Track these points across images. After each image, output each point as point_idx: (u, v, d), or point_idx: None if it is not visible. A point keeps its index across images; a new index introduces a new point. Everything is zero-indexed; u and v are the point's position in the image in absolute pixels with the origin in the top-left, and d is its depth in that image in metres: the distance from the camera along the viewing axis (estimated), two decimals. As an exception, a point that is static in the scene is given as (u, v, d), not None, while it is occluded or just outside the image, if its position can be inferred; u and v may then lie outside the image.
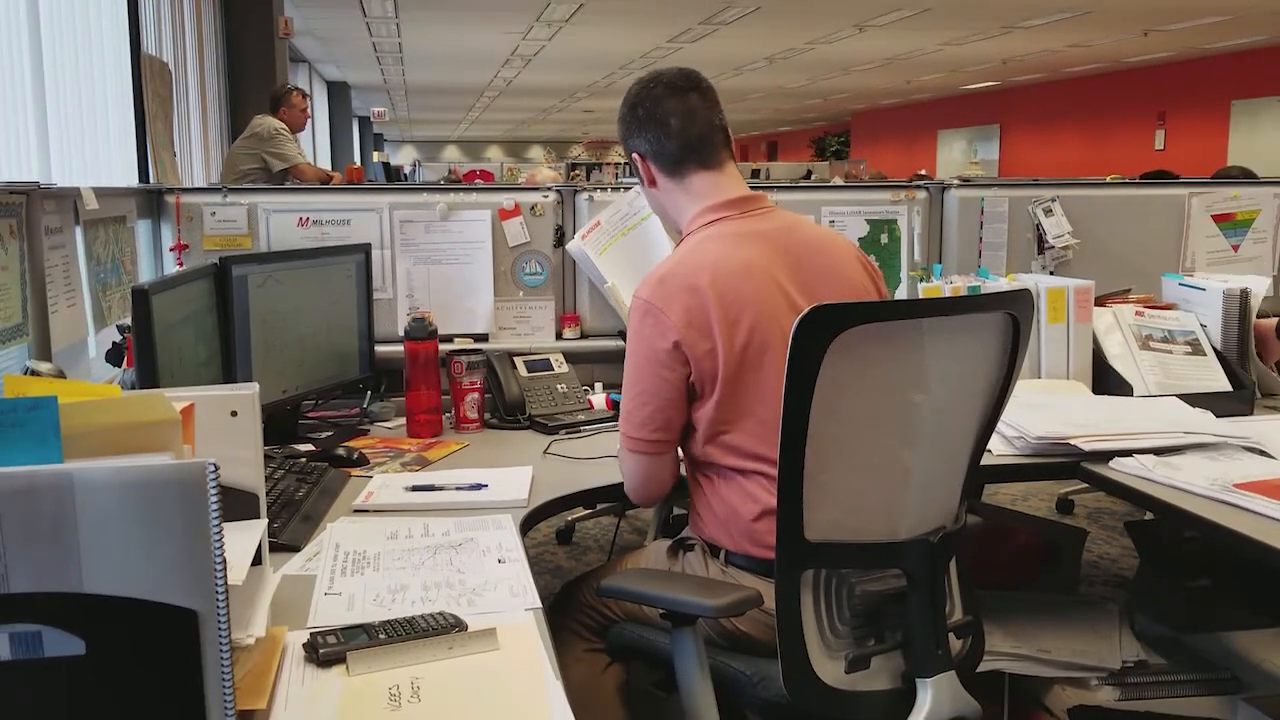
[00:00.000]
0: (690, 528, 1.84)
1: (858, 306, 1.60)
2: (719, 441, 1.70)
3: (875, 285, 1.86)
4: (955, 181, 3.02)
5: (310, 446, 2.20)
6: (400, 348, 2.38)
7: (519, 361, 2.54)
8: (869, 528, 1.56)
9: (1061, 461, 2.05)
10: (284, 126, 6.10)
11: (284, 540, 1.61)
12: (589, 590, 1.88)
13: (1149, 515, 2.84)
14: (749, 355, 1.68)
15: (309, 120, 6.67)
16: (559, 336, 2.79)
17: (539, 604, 1.40)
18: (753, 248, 1.75)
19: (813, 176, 12.63)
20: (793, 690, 1.52)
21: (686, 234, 1.83)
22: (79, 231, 2.26)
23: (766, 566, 1.62)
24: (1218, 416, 2.17)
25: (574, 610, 1.89)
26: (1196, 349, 2.51)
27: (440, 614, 1.30)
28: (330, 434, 2.34)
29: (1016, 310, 1.56)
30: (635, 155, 1.88)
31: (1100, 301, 2.58)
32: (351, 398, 2.54)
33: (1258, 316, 2.57)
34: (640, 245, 2.72)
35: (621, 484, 1.97)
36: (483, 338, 2.73)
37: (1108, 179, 4.37)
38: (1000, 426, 2.13)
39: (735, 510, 1.71)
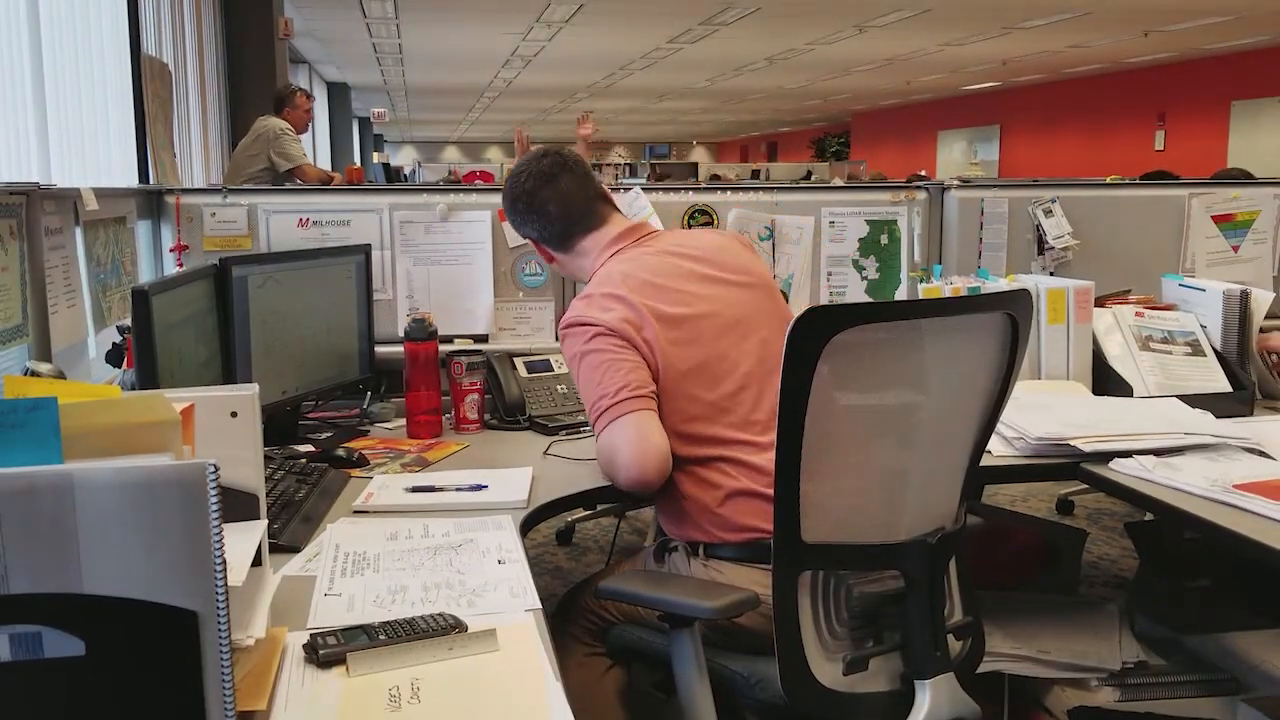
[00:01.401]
0: (666, 530, 1.86)
1: (856, 308, 1.61)
2: (671, 434, 1.76)
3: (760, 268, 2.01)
4: (955, 182, 3.02)
5: (310, 447, 2.20)
6: (400, 348, 2.38)
7: (519, 362, 2.54)
8: (867, 529, 1.56)
9: (1061, 462, 2.05)
10: (288, 126, 6.10)
11: (284, 541, 1.61)
12: (589, 595, 1.88)
13: (1149, 516, 2.84)
14: (680, 336, 1.79)
15: (311, 121, 6.66)
16: (558, 337, 2.78)
17: (539, 605, 1.40)
18: (653, 255, 1.91)
19: (813, 177, 12.64)
20: (790, 692, 1.52)
21: (594, 270, 1.98)
22: (79, 232, 2.26)
23: (748, 552, 1.67)
24: (1217, 417, 2.17)
25: (575, 615, 1.90)
26: (1196, 350, 2.51)
27: (440, 615, 1.30)
28: (330, 435, 2.34)
29: (1015, 311, 1.56)
30: (528, 239, 2.10)
31: (1100, 302, 2.58)
32: (351, 398, 2.54)
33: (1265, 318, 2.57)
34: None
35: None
36: (483, 338, 2.73)
37: (1108, 180, 4.37)
38: (1000, 427, 2.14)
39: (700, 502, 1.75)
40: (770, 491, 1.50)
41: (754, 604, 1.57)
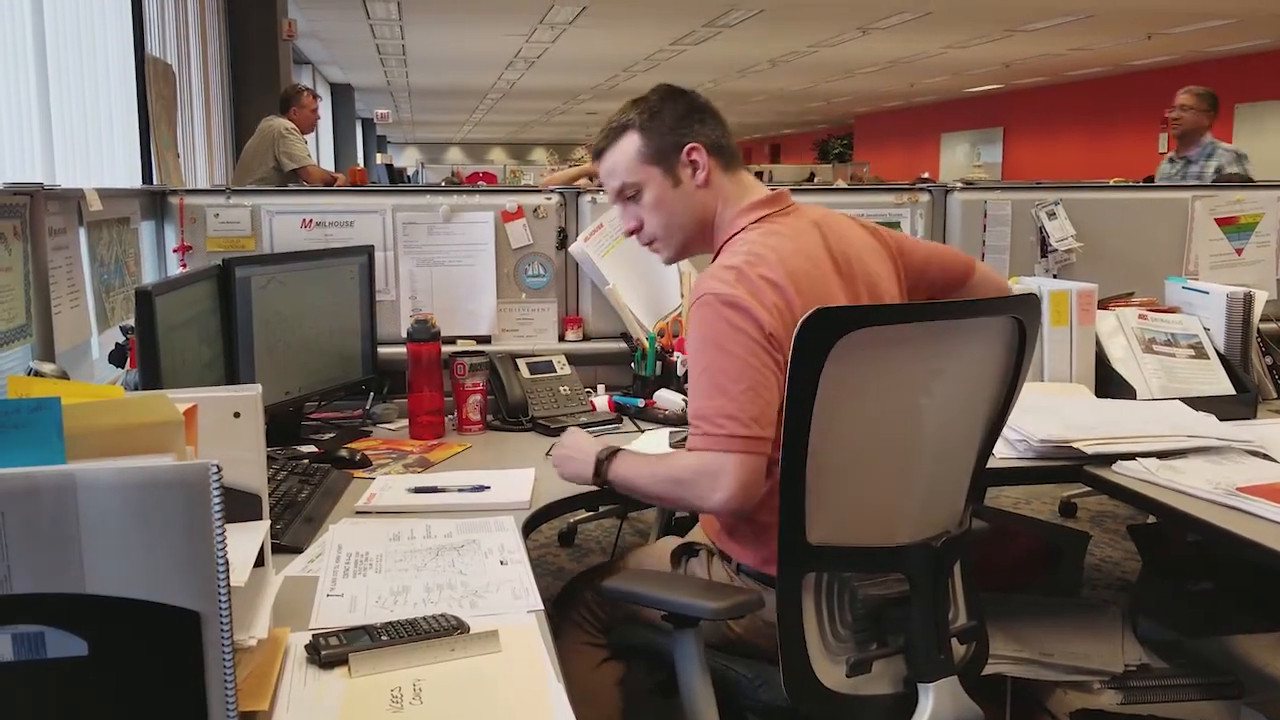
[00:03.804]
0: (703, 531, 1.81)
1: (861, 310, 1.60)
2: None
3: (894, 269, 1.82)
4: (958, 184, 3.02)
5: (313, 448, 2.20)
6: (403, 349, 2.38)
7: (521, 363, 2.54)
8: (871, 531, 1.56)
9: (1064, 464, 2.05)
10: (293, 126, 6.12)
11: (286, 541, 1.61)
12: (592, 587, 1.87)
13: (1151, 519, 2.83)
14: None
15: (318, 121, 6.68)
16: (562, 338, 2.79)
17: (541, 606, 1.40)
18: (808, 244, 1.70)
19: (816, 179, 12.63)
20: (794, 694, 1.52)
21: (732, 234, 1.74)
22: (83, 233, 2.26)
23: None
24: (1221, 420, 2.17)
25: (576, 605, 1.88)
26: (1200, 352, 2.51)
27: (442, 616, 1.30)
28: (333, 435, 2.34)
29: (1023, 315, 1.56)
30: (691, 148, 1.74)
31: (1103, 304, 2.58)
32: (354, 399, 2.54)
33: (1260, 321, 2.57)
34: (643, 248, 2.72)
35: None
36: (485, 340, 2.73)
37: (1111, 182, 4.37)
38: (1004, 430, 2.14)
39: (767, 533, 1.62)
40: None
41: (758, 604, 1.57)
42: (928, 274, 1.90)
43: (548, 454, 2.17)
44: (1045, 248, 2.92)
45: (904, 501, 1.57)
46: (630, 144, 1.77)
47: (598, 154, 1.83)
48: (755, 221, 1.73)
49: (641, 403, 2.51)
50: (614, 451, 1.74)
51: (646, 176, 1.77)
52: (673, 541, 1.86)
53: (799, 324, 1.40)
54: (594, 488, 1.79)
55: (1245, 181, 4.69)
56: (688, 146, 1.74)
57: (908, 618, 1.56)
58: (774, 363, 1.57)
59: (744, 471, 1.55)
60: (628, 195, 1.80)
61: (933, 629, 1.56)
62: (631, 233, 1.84)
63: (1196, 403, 2.27)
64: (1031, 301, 1.59)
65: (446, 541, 1.64)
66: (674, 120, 1.75)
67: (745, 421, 1.55)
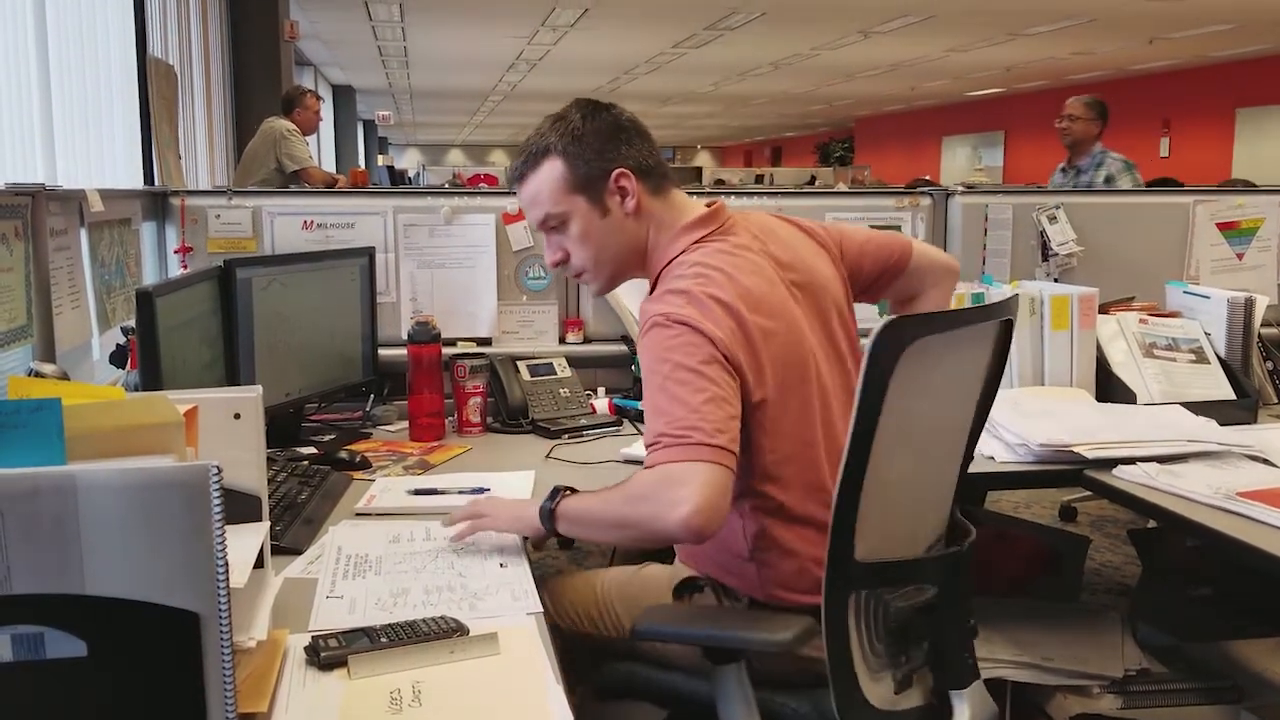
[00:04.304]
0: (692, 566, 1.69)
1: (928, 317, 1.53)
2: (768, 480, 1.56)
3: (837, 269, 1.75)
4: (959, 188, 3.02)
5: (313, 449, 2.20)
6: (403, 351, 2.38)
7: (522, 365, 2.54)
8: (901, 543, 1.53)
9: (1064, 469, 2.05)
10: (295, 128, 6.13)
11: (286, 543, 1.61)
12: (585, 589, 1.78)
13: (1152, 523, 2.83)
14: (788, 380, 1.55)
15: (320, 122, 6.68)
16: (562, 341, 2.79)
17: (540, 608, 1.40)
18: (753, 258, 1.61)
19: (817, 182, 12.63)
20: (846, 716, 1.44)
21: (671, 258, 1.62)
22: (84, 233, 2.26)
23: (793, 608, 1.55)
24: (1221, 425, 2.17)
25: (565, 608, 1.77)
26: (1200, 357, 2.51)
27: (442, 618, 1.30)
28: (333, 437, 2.34)
29: (1014, 314, 1.58)
30: (619, 174, 1.60)
31: (1104, 309, 2.58)
32: (354, 401, 2.54)
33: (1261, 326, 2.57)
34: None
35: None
36: (486, 341, 2.73)
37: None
38: (1003, 433, 2.14)
39: (769, 562, 1.57)
40: None
41: (817, 632, 1.44)
42: (863, 264, 1.81)
43: (548, 456, 2.15)
44: (1046, 252, 2.92)
45: (924, 509, 1.56)
46: (552, 170, 1.61)
47: (516, 178, 1.67)
48: (695, 243, 1.61)
49: (641, 405, 2.51)
50: (559, 490, 1.58)
51: (571, 207, 1.62)
52: (660, 571, 1.75)
53: (875, 334, 1.32)
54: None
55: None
56: (615, 172, 1.60)
57: (937, 626, 1.53)
58: (733, 381, 1.47)
59: (710, 484, 1.39)
60: (551, 225, 1.66)
61: (960, 635, 1.55)
62: (557, 264, 1.69)
63: (1197, 407, 2.27)
64: (1015, 300, 1.60)
65: (446, 544, 1.64)
66: (599, 143, 1.60)
67: (709, 431, 1.41)
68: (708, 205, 1.68)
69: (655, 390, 1.47)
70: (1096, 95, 5.37)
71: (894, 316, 1.37)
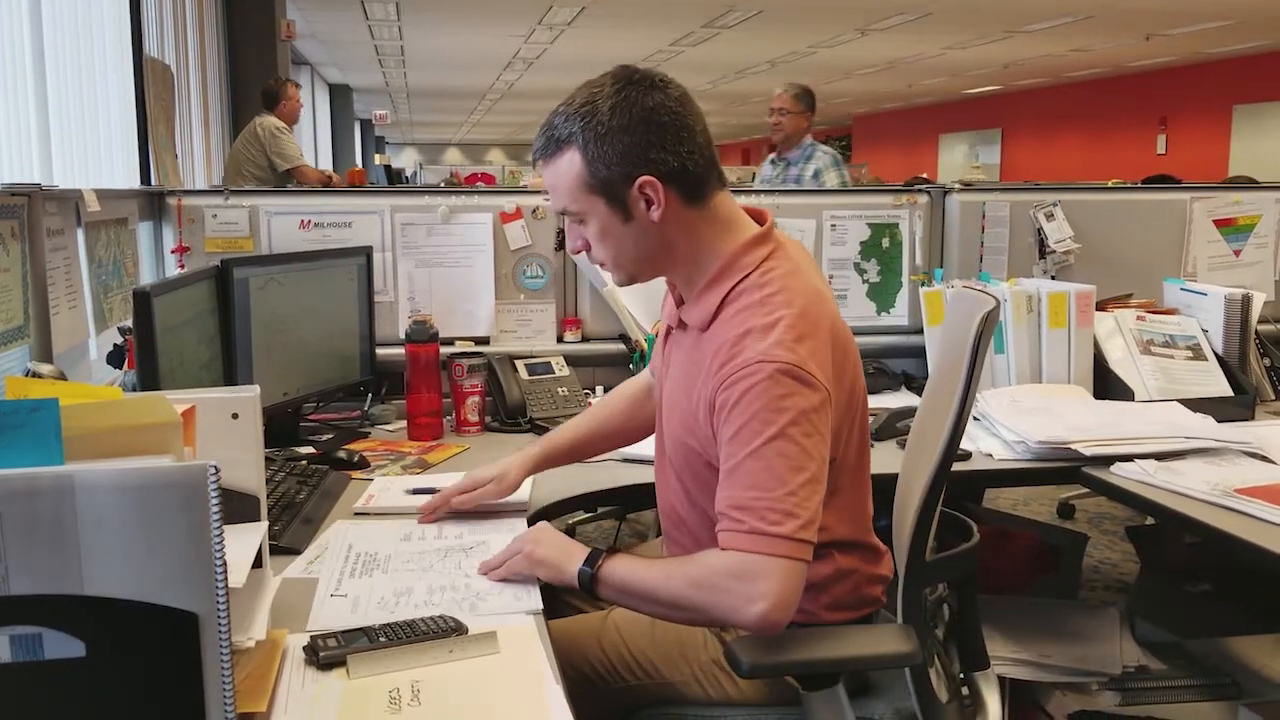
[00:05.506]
0: None
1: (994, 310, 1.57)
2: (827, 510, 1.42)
3: None
4: (957, 185, 3.02)
5: (311, 449, 2.20)
6: (401, 350, 2.38)
7: (520, 364, 2.54)
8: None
9: (1062, 466, 2.05)
10: (283, 125, 6.11)
11: (284, 543, 1.61)
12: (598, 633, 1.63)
13: (1150, 520, 2.83)
14: (853, 406, 1.50)
15: (301, 109, 6.63)
16: (560, 340, 2.79)
17: (541, 607, 1.40)
18: (816, 278, 1.52)
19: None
20: (926, 713, 1.48)
21: (742, 276, 1.47)
22: (81, 233, 2.26)
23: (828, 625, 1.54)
24: (1219, 421, 2.17)
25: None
26: (1198, 354, 2.51)
27: (441, 617, 1.30)
28: (331, 437, 2.34)
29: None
30: (643, 182, 1.42)
31: (1102, 306, 2.58)
32: (352, 400, 2.54)
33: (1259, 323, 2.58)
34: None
35: (623, 489, 1.95)
36: (484, 341, 2.73)
37: (1109, 184, 4.37)
38: (1002, 431, 2.14)
39: (824, 586, 1.52)
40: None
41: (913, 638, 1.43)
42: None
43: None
44: (1043, 249, 2.92)
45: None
46: (571, 166, 1.45)
47: (537, 157, 1.52)
48: (765, 259, 1.47)
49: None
50: (602, 553, 1.45)
51: (589, 207, 1.46)
52: None
53: (981, 318, 1.39)
54: (592, 489, 1.73)
55: (843, 187, 4.65)
56: (640, 180, 1.42)
57: (967, 615, 1.59)
58: (827, 441, 1.38)
59: (789, 580, 1.30)
60: (570, 217, 1.53)
61: (977, 618, 1.61)
62: (578, 252, 1.56)
63: (1194, 404, 2.27)
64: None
65: (457, 543, 1.64)
66: (624, 146, 1.41)
67: (803, 523, 1.31)
68: (746, 210, 1.55)
69: (748, 451, 1.35)
70: (806, 85, 5.30)
71: (987, 314, 1.42)
